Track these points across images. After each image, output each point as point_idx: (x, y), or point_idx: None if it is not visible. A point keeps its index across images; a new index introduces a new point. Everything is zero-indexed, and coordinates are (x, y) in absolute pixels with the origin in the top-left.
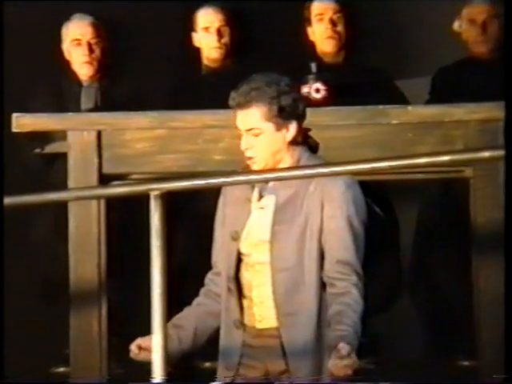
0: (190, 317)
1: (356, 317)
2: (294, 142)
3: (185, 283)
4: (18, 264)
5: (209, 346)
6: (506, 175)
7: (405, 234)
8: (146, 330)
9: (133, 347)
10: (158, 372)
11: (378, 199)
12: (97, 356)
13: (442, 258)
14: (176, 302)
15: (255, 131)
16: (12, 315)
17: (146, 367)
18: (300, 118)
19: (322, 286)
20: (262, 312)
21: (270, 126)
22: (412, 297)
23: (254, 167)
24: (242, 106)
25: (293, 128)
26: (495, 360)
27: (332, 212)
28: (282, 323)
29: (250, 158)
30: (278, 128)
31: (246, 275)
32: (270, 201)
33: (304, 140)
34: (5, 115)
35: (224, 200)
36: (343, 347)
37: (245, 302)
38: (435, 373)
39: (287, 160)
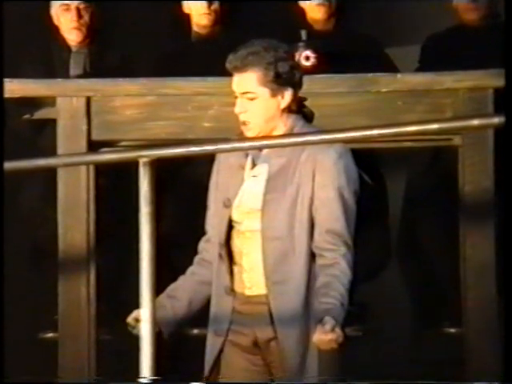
0: (184, 287)
1: (343, 289)
2: (288, 110)
3: (174, 250)
4: (6, 230)
5: (197, 313)
6: (495, 144)
7: (393, 203)
8: (135, 297)
9: (130, 320)
10: (146, 337)
11: (366, 167)
12: (85, 322)
13: (430, 227)
14: (165, 268)
15: (250, 95)
16: (1, 281)
17: (133, 334)
18: (296, 86)
19: (312, 256)
20: (252, 279)
21: (265, 92)
22: (399, 265)
23: (248, 134)
24: (238, 69)
25: (288, 95)
26: (481, 328)
27: (323, 182)
28: (271, 291)
29: (244, 124)
30: (273, 94)
31: (236, 242)
32: (263, 169)
33: (299, 109)
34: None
35: (218, 167)
36: (328, 321)
37: (235, 269)
38: (422, 340)
39: (281, 127)
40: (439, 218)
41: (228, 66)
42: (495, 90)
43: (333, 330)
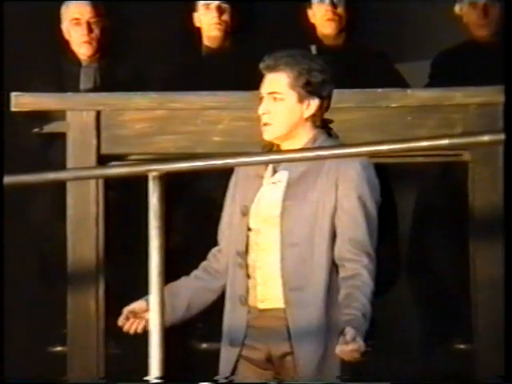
0: (187, 287)
1: (364, 299)
2: (311, 121)
3: (183, 263)
4: (16, 244)
5: (206, 326)
6: (504, 159)
7: (403, 218)
8: None
9: (121, 320)
10: (155, 346)
11: None
12: (94, 336)
13: (440, 242)
14: (174, 282)
15: (277, 95)
16: (10, 295)
17: (143, 347)
18: (324, 99)
19: (332, 265)
20: (265, 292)
21: (292, 95)
22: (409, 280)
23: (267, 136)
24: (270, 68)
25: (314, 105)
26: (491, 343)
27: (346, 191)
28: (288, 298)
29: (264, 125)
30: (300, 100)
31: (251, 255)
32: (283, 176)
33: (324, 126)
34: (4, 94)
35: (236, 179)
36: (348, 332)
37: (249, 282)
38: (432, 356)
39: (303, 137)
40: (449, 234)
41: (261, 65)
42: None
43: (354, 339)
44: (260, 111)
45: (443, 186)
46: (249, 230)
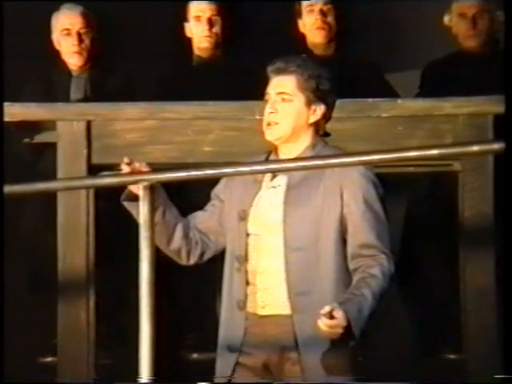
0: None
1: (367, 290)
2: (315, 128)
3: (173, 274)
4: (6, 254)
5: (196, 336)
6: (504, 170)
7: (393, 227)
8: (134, 321)
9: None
10: (145, 353)
11: None
12: (85, 346)
13: (430, 252)
14: (164, 292)
15: (286, 96)
16: (0, 305)
17: (133, 357)
18: (329, 107)
19: (339, 269)
20: (266, 298)
21: (301, 98)
22: (399, 290)
23: (270, 136)
24: (281, 70)
25: (320, 111)
26: (481, 353)
27: (353, 196)
28: (295, 305)
29: (268, 125)
30: (308, 103)
31: (250, 259)
32: (282, 180)
33: (323, 135)
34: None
35: (229, 182)
36: (330, 305)
37: (248, 288)
38: (422, 366)
39: (303, 142)
40: (439, 243)
41: (270, 68)
42: (495, 115)
43: (329, 315)
44: (267, 110)
45: (433, 196)
46: (247, 235)
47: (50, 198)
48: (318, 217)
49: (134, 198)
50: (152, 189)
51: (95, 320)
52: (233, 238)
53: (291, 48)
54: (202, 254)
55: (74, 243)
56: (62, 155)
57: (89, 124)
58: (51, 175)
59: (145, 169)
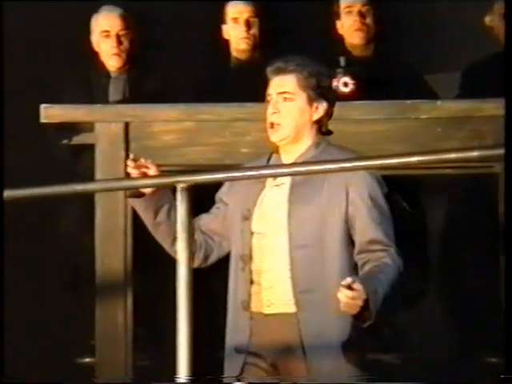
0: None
1: (382, 275)
2: (318, 126)
3: (211, 274)
4: (45, 255)
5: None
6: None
7: (433, 230)
8: (172, 322)
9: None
10: (183, 360)
11: (406, 195)
12: (122, 347)
13: (470, 255)
14: (202, 293)
15: (287, 95)
16: (39, 306)
17: (170, 360)
18: (330, 103)
19: (346, 270)
20: (271, 297)
21: (302, 96)
22: (439, 292)
23: (274, 137)
24: (280, 70)
25: (322, 109)
26: None
27: (358, 194)
28: (299, 302)
29: (271, 126)
30: (310, 101)
31: (255, 258)
32: (286, 179)
33: (326, 134)
34: (33, 106)
35: (232, 183)
36: (347, 278)
37: (252, 288)
38: (462, 369)
39: (307, 141)
40: (479, 246)
41: (269, 68)
42: None
43: (350, 287)
44: (269, 111)
45: (474, 198)
46: (251, 234)
47: (88, 199)
48: (322, 214)
49: (139, 195)
50: (189, 190)
51: (133, 321)
52: (237, 239)
53: (329, 49)
54: (205, 257)
55: (111, 245)
56: (100, 157)
57: (127, 126)
58: (89, 177)
59: (150, 165)
